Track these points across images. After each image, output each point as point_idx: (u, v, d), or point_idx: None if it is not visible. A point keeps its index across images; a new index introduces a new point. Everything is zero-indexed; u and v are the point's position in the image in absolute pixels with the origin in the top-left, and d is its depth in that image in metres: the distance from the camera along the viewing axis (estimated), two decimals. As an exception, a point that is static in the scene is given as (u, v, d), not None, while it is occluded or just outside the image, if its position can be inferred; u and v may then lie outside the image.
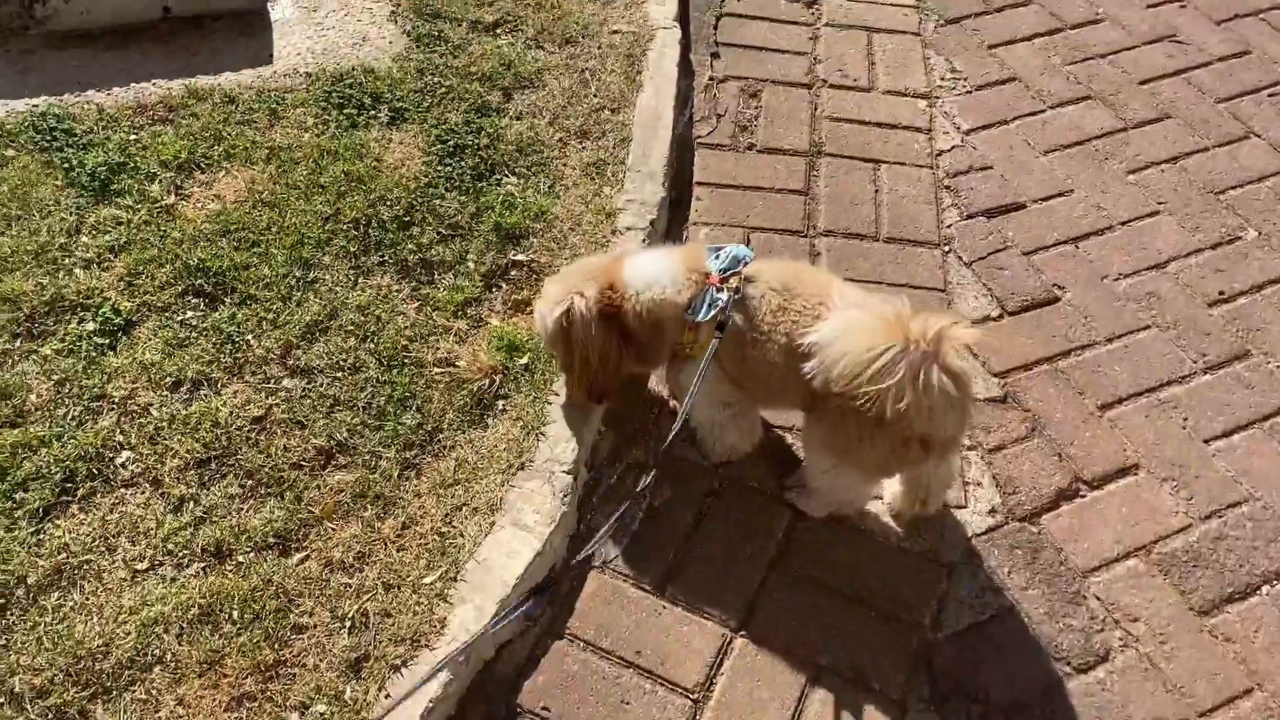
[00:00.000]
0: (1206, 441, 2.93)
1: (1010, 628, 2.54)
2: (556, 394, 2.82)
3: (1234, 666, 2.49)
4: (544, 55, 3.83)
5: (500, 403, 2.82)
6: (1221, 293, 3.30)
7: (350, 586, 2.42)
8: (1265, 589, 2.63)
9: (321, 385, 2.77)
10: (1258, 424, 2.97)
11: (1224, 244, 3.45)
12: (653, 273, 2.49)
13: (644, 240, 3.20)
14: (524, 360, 2.89)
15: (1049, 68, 4.05)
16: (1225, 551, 2.70)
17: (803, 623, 2.51)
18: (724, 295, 2.37)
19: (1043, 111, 3.89)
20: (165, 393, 2.70)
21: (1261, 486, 2.83)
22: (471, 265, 3.12)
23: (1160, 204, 3.57)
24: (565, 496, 2.60)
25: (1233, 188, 3.65)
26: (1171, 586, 2.63)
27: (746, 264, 2.43)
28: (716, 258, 2.45)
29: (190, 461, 2.57)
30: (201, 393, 2.72)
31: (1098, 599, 2.60)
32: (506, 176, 3.39)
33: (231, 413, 2.67)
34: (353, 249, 3.09)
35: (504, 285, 3.11)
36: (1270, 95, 4.00)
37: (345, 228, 3.13)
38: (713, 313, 2.37)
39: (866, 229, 3.43)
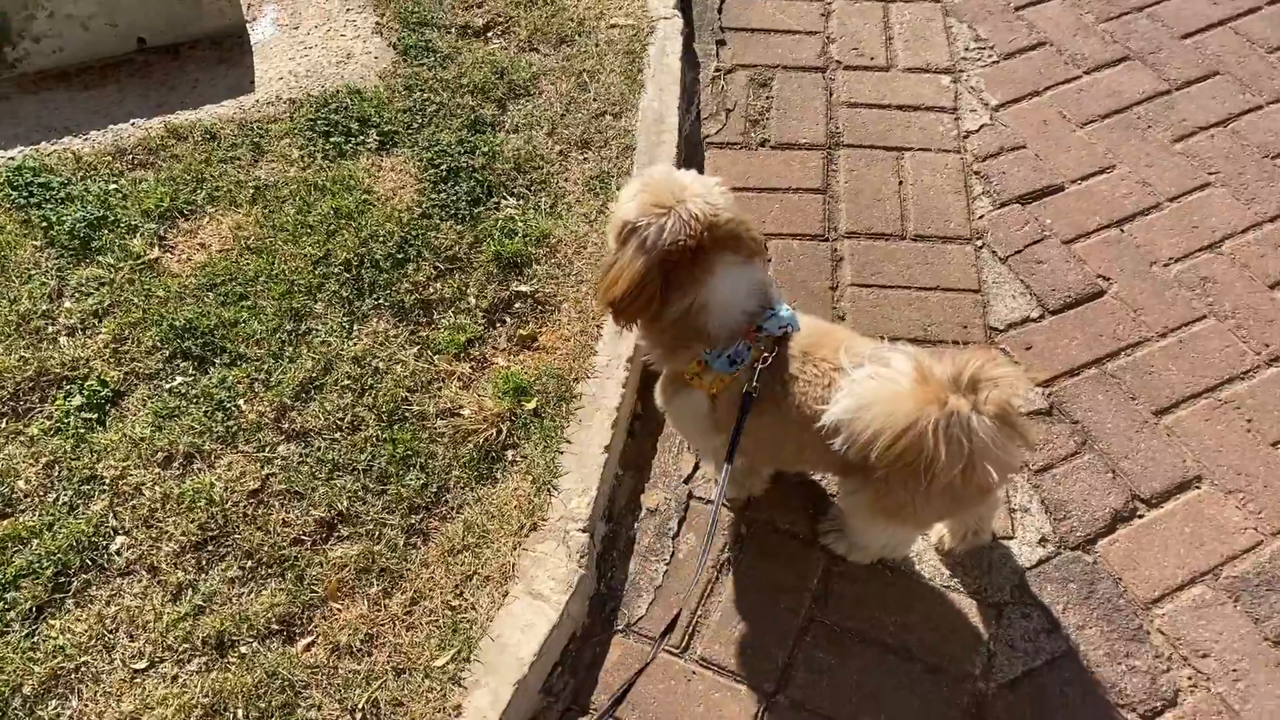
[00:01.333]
0: (1275, 445, 2.70)
1: (1068, 673, 2.35)
2: (569, 441, 2.65)
3: (1317, 705, 2.29)
4: (539, 59, 3.60)
5: (509, 453, 2.66)
6: (1284, 272, 3.04)
7: (359, 674, 2.29)
8: (1347, 613, 2.42)
9: (319, 449, 2.63)
10: (1331, 422, 2.73)
11: (1284, 216, 3.18)
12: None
13: (653, 261, 2.99)
14: (532, 405, 2.72)
15: (1082, 27, 3.75)
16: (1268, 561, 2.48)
17: (844, 681, 2.34)
18: (746, 355, 2.15)
19: (1078, 78, 3.60)
20: (157, 469, 2.56)
21: (1339, 494, 2.60)
22: (472, 301, 2.95)
23: (1211, 175, 3.29)
24: (582, 558, 2.44)
25: (1290, 150, 3.36)
26: (1243, 614, 2.42)
27: (791, 333, 2.17)
28: (773, 312, 2.17)
29: (187, 544, 2.45)
30: (195, 467, 2.58)
31: (1162, 634, 2.40)
32: (505, 198, 3.20)
33: (227, 487, 2.53)
34: (345, 294, 2.92)
35: (507, 320, 2.93)
36: (1327, 39, 3.68)
37: (337, 271, 2.96)
38: (723, 370, 2.15)
39: (892, 227, 3.19)
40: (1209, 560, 2.51)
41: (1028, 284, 3.04)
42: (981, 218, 3.21)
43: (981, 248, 3.14)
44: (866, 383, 1.93)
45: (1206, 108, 3.48)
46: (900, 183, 3.31)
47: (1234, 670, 2.34)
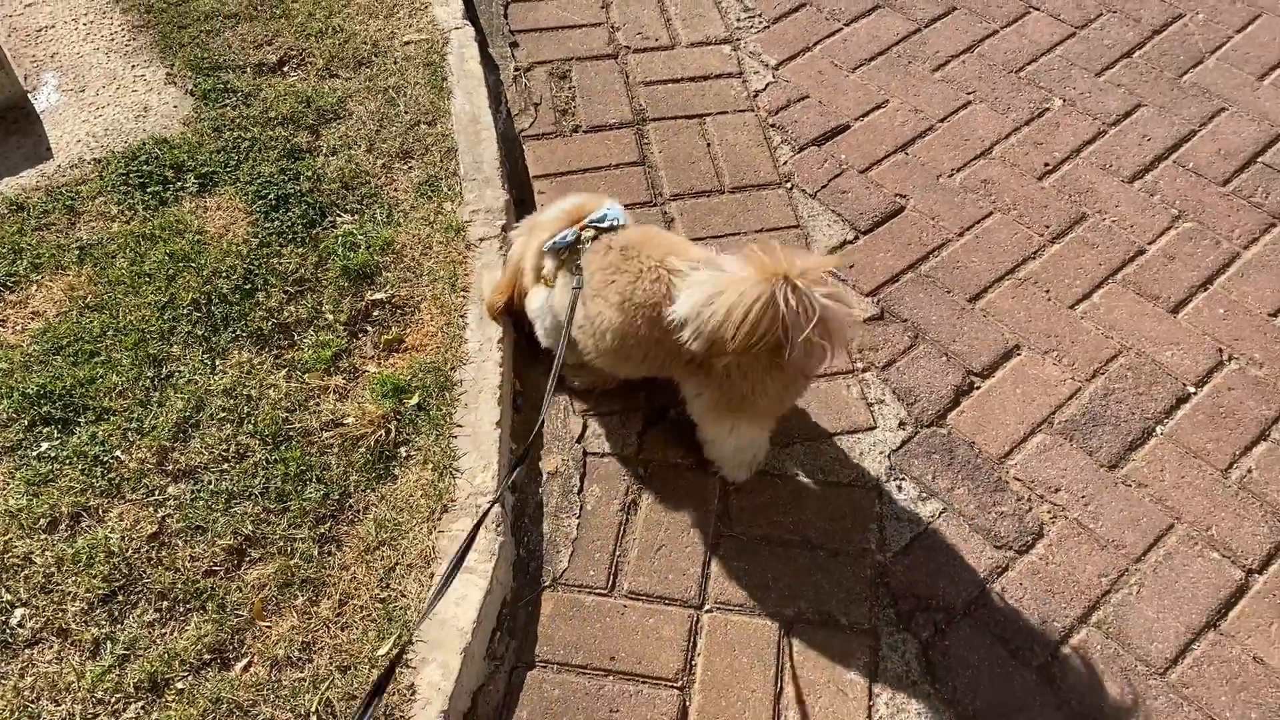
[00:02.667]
0: (1071, 307, 3.10)
1: (949, 530, 2.63)
2: (459, 426, 2.73)
3: (1152, 508, 2.66)
4: (341, 83, 3.66)
5: (403, 450, 2.72)
6: (1046, 164, 3.48)
7: (305, 681, 2.30)
8: (1159, 429, 2.82)
9: (210, 483, 2.61)
10: (1110, 279, 3.15)
11: (1035, 118, 3.63)
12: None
13: (500, 249, 3.12)
14: (415, 400, 2.79)
15: (833, -13, 4.15)
16: (1116, 404, 2.86)
17: (760, 582, 2.54)
18: (570, 235, 2.53)
19: (840, 30, 3.98)
20: (43, 535, 2.48)
21: (1129, 336, 3.01)
22: (330, 317, 2.99)
23: (970, 94, 3.72)
24: (498, 526, 2.53)
25: (1028, 63, 3.83)
26: (1079, 450, 2.78)
27: (615, 227, 2.53)
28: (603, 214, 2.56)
29: (94, 600, 2.38)
30: (84, 525, 2.51)
31: (1018, 480, 2.72)
32: (340, 216, 3.25)
33: (124, 537, 2.48)
34: (200, 332, 2.90)
35: (369, 329, 2.99)
36: (1036, -30, 4.21)
37: (186, 312, 2.93)
38: (551, 250, 2.55)
39: (710, 184, 3.44)
40: (1041, 411, 2.86)
41: (838, 213, 3.35)
42: (786, 163, 3.51)
43: (792, 189, 3.43)
44: (708, 276, 2.16)
45: (953, 39, 3.92)
46: (708, 145, 3.57)
47: (1082, 497, 2.69)
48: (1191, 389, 2.89)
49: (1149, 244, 3.23)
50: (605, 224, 2.53)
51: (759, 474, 2.73)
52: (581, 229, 2.54)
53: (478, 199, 3.26)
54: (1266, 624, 2.46)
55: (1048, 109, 3.66)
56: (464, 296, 3.02)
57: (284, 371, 2.85)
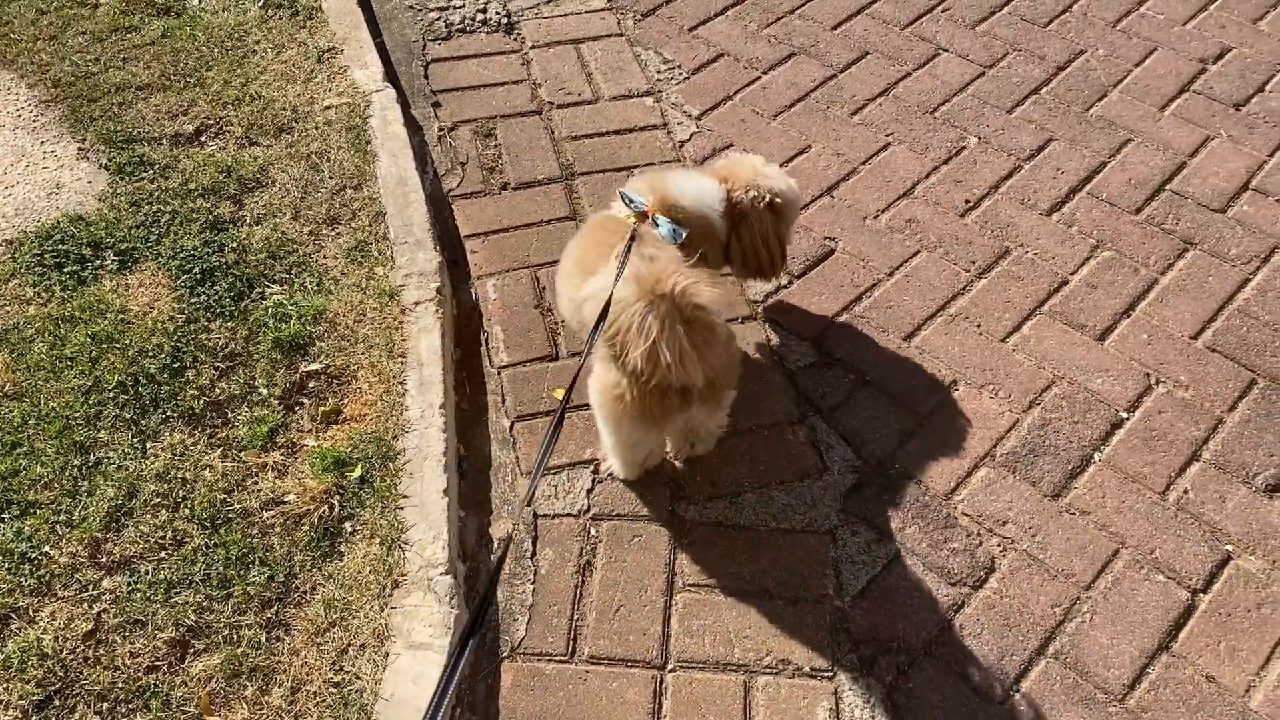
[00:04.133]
0: (1003, 340, 3.16)
1: (905, 571, 2.65)
2: (405, 496, 2.67)
3: (1097, 535, 2.71)
4: (262, 151, 3.60)
5: (348, 525, 2.65)
6: (967, 201, 3.56)
7: (260, 776, 2.21)
8: (1096, 456, 2.88)
9: (147, 574, 2.50)
10: (1038, 310, 3.23)
11: (953, 157, 3.72)
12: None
13: (436, 312, 3.08)
14: (357, 472, 2.72)
15: (749, 35, 4.23)
16: (1053, 434, 2.93)
17: (722, 636, 2.52)
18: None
19: (759, 78, 4.05)
20: (-32, 643, 2.35)
21: (1060, 366, 3.08)
22: (264, 391, 2.91)
23: (888, 136, 3.81)
24: (452, 599, 2.48)
25: (942, 103, 3.94)
26: (1023, 481, 2.83)
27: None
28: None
29: (28, 708, 2.26)
30: (13, 627, 2.39)
31: (967, 515, 2.76)
32: (269, 287, 3.18)
33: (56, 637, 2.37)
34: (129, 415, 2.80)
35: (305, 401, 2.92)
36: (943, 10, 4.34)
37: (112, 395, 2.83)
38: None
39: (642, 235, 3.45)
40: (983, 445, 2.91)
41: (771, 257, 3.39)
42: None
43: (723, 236, 3.46)
44: (599, 282, 2.37)
45: (868, 83, 4.02)
46: (637, 196, 3.58)
47: (1029, 528, 2.73)
48: (1124, 414, 2.97)
49: (1071, 274, 3.33)
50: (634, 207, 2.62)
51: (713, 525, 2.73)
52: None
53: (410, 262, 3.23)
54: (1215, 643, 2.51)
55: (964, 147, 3.76)
56: (402, 363, 2.97)
57: (219, 451, 2.77)
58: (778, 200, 2.79)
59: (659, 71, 4.07)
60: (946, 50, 4.15)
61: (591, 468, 2.84)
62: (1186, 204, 3.55)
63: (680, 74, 4.06)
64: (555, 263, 3.32)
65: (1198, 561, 2.66)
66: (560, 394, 3.00)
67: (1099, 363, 3.09)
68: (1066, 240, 3.43)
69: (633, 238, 2.50)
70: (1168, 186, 3.62)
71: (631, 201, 2.61)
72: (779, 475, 2.84)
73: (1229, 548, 2.69)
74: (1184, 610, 2.57)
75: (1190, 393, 3.02)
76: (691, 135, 3.82)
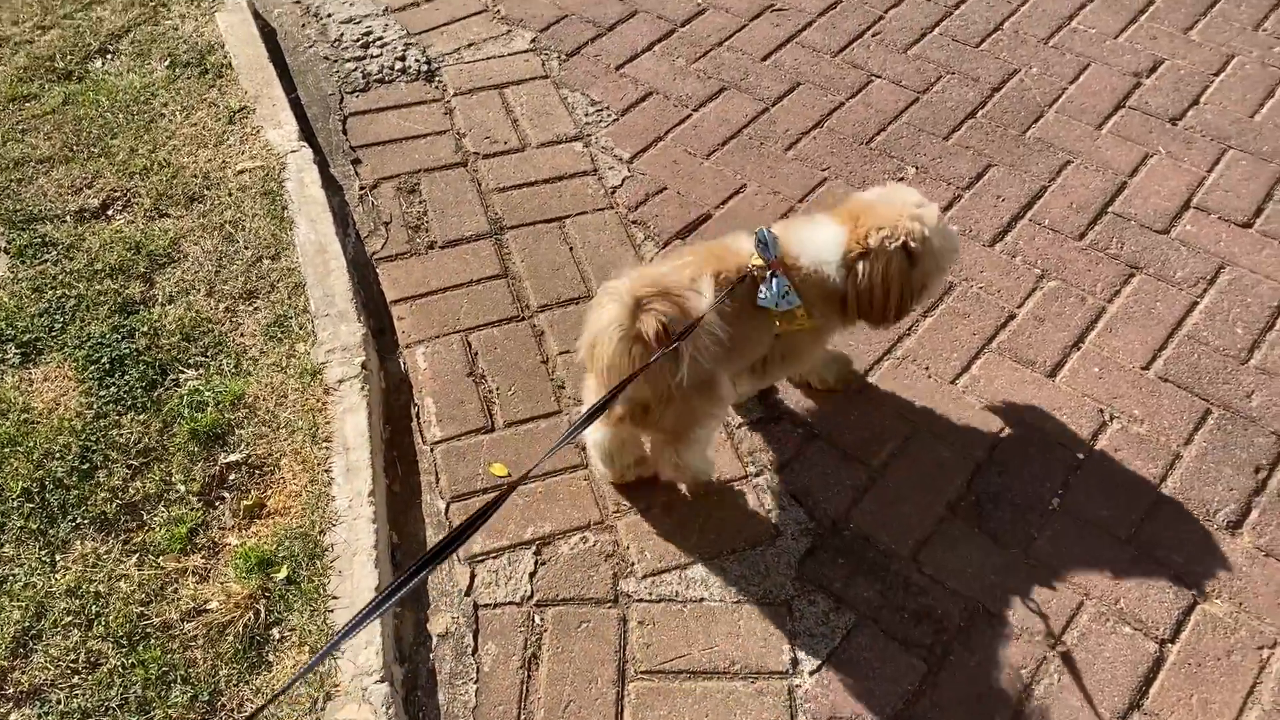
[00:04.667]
0: (952, 382, 3.07)
1: (865, 641, 2.53)
2: (335, 597, 2.52)
3: (1061, 587, 2.62)
4: (173, 223, 3.43)
5: (275, 631, 2.49)
6: (908, 236, 3.47)
7: None
8: (1055, 502, 2.79)
9: (59, 702, 2.33)
10: (986, 349, 3.15)
11: (892, 189, 3.63)
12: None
13: (362, 389, 2.93)
14: (283, 573, 2.56)
15: (678, 71, 4.12)
16: (1011, 480, 2.83)
17: (678, 726, 2.39)
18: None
19: (690, 116, 3.94)
20: None
21: (1013, 407, 2.99)
22: (182, 488, 2.74)
23: (824, 170, 3.71)
24: (389, 709, 2.32)
25: (877, 133, 3.85)
26: (983, 534, 2.73)
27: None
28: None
29: None
30: (-91, 779, 2.21)
31: (928, 576, 2.65)
32: (183, 372, 3.01)
33: (-42, 787, 2.19)
34: (35, 525, 2.62)
35: (226, 496, 2.75)
36: (874, 35, 4.26)
37: (16, 504, 2.65)
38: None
39: (577, 290, 3.33)
40: (941, 498, 2.81)
41: (711, 307, 3.27)
42: (651, 260, 3.42)
43: (661, 287, 3.34)
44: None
45: (802, 115, 3.92)
46: (571, 248, 3.45)
47: (991, 584, 2.63)
48: (1080, 455, 2.88)
49: (1018, 308, 3.25)
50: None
51: (664, 601, 2.60)
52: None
53: (332, 336, 3.07)
54: (1186, 696, 2.43)
55: (902, 178, 3.67)
56: (327, 448, 2.81)
57: (135, 558, 2.60)
58: (914, 245, 2.48)
59: (587, 114, 3.95)
60: (879, 77, 4.07)
61: (533, 548, 2.71)
62: (1130, 226, 3.49)
63: (609, 115, 3.94)
64: (488, 325, 3.21)
65: (1163, 609, 2.57)
66: (499, 469, 2.86)
67: (1051, 401, 3.00)
68: (1011, 272, 3.35)
69: (741, 280, 2.43)
70: (1110, 209, 3.55)
71: (765, 244, 2.45)
72: (730, 543, 2.72)
73: (1194, 592, 2.61)
74: (1153, 663, 2.49)
75: (1145, 427, 2.95)
76: (623, 180, 3.70)
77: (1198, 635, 2.53)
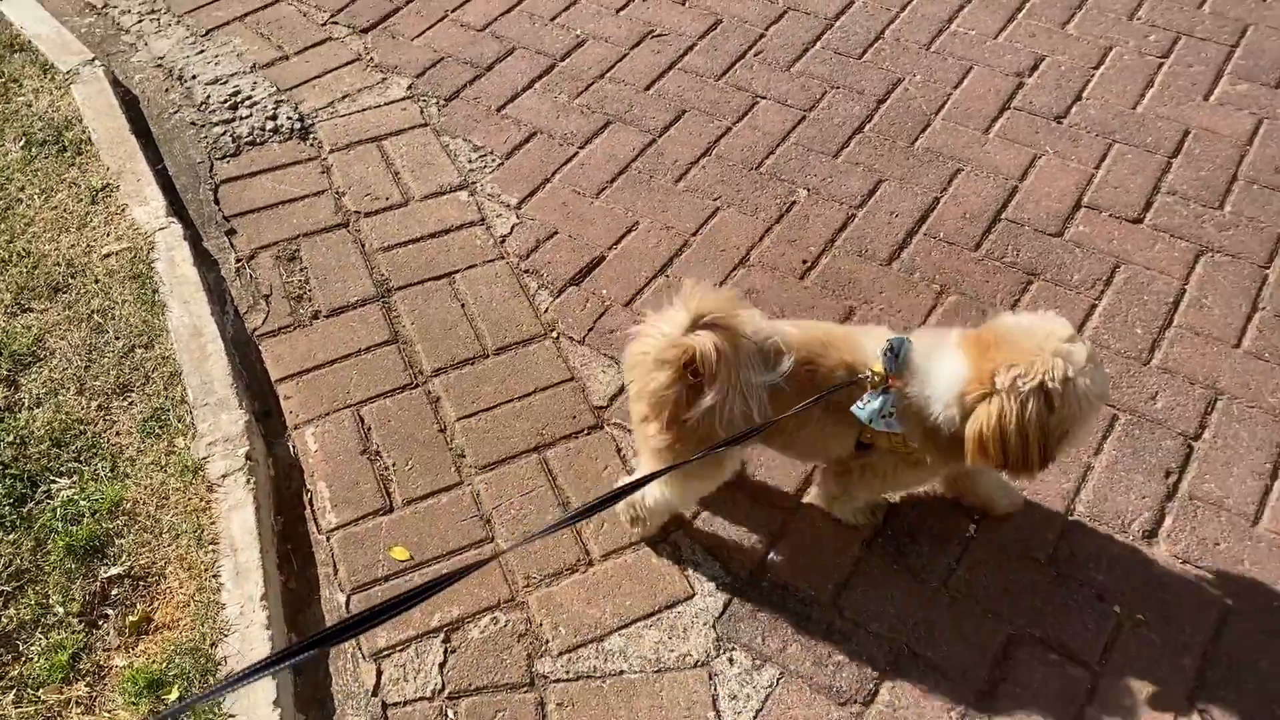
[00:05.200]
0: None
1: (791, 696, 2.46)
2: (232, 716, 2.37)
3: (984, 619, 2.57)
4: (36, 318, 3.23)
5: (169, 760, 2.32)
6: (805, 262, 3.42)
7: None
8: (971, 527, 2.74)
9: None
10: (891, 373, 3.09)
11: (785, 214, 3.57)
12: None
13: (247, 483, 2.77)
14: (174, 694, 2.41)
15: (561, 109, 4.01)
16: (925, 511, 2.78)
17: (605, 814, 2.29)
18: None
19: (575, 154, 3.84)
20: None
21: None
22: (60, 610, 2.57)
23: (716, 200, 3.64)
24: (295, 835, 2.19)
25: (766, 156, 3.79)
26: (904, 572, 2.67)
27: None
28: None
29: None
30: None
31: (850, 620, 2.58)
32: (55, 482, 2.83)
33: None
34: (-104, 672, 2.43)
35: (110, 613, 2.59)
36: (756, 55, 4.21)
37: (-126, 650, 2.45)
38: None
39: (473, 350, 3.21)
40: (858, 535, 2.74)
41: (610, 355, 3.18)
42: (547, 310, 3.32)
43: (558, 338, 3.24)
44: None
45: (689, 144, 3.85)
46: (463, 305, 3.33)
47: (915, 623, 2.57)
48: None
49: (919, 326, 3.20)
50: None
51: (583, 680, 2.49)
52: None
53: (212, 427, 2.91)
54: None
55: (794, 201, 3.61)
56: (214, 551, 2.66)
57: (12, 695, 2.42)
58: (1052, 385, 2.07)
59: (470, 161, 3.83)
60: (764, 98, 4.01)
61: (442, 636, 2.58)
62: (1024, 231, 3.48)
63: (493, 160, 3.83)
64: (380, 396, 3.07)
65: (1089, 633, 2.54)
66: (400, 553, 2.73)
67: (960, 422, 2.96)
68: (910, 290, 3.31)
69: (849, 384, 2.24)
70: (1003, 216, 3.53)
71: (894, 354, 2.20)
72: (646, 607, 2.63)
73: (1117, 608, 2.58)
74: (1087, 691, 2.44)
75: (1055, 440, 2.91)
76: (512, 228, 3.58)
77: (1125, 655, 2.50)
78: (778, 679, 2.49)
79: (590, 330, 3.25)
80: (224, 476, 2.80)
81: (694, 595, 2.64)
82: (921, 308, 3.26)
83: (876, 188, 3.65)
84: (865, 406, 2.22)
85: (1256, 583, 2.60)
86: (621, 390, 3.09)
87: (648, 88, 4.09)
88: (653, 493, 2.54)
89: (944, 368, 2.18)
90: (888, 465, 2.42)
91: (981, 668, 2.49)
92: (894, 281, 3.34)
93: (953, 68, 4.11)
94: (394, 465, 2.93)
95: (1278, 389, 2.99)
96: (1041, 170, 3.69)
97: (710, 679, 2.49)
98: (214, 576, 2.61)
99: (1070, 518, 2.75)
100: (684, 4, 4.50)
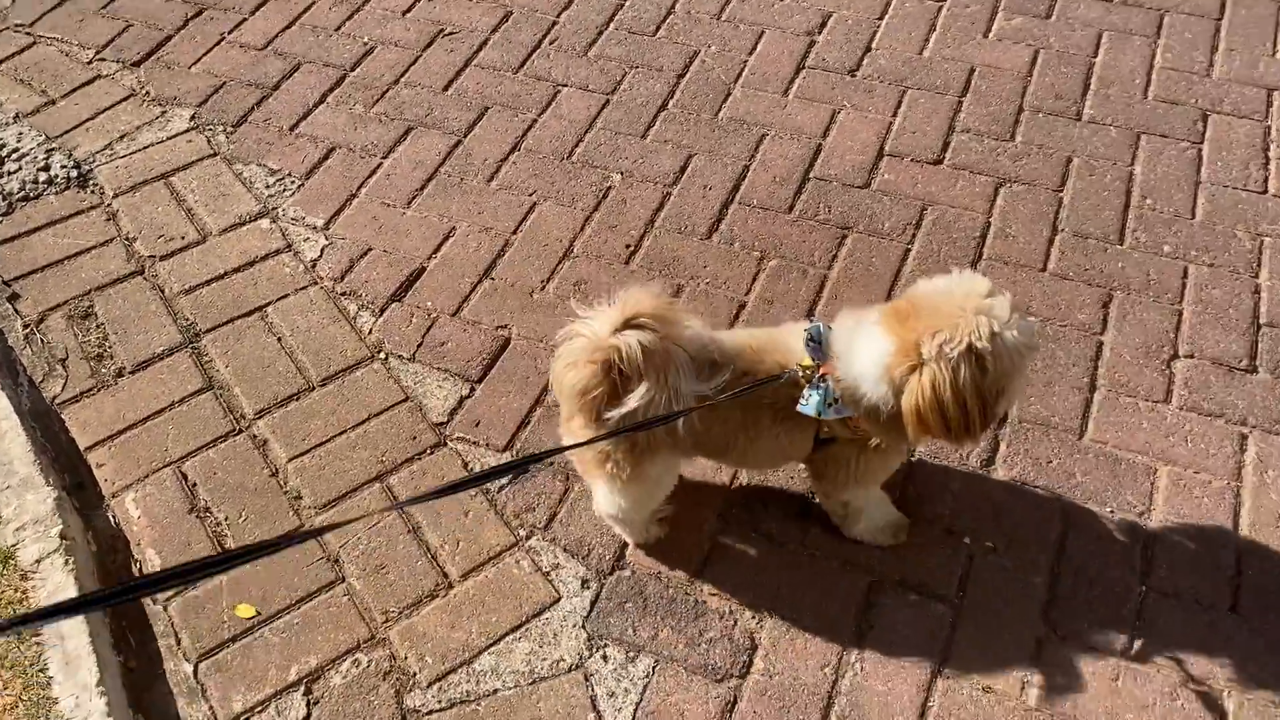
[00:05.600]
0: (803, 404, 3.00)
1: (668, 683, 2.44)
2: (78, 818, 2.19)
3: (840, 574, 2.60)
4: None
5: None
6: (628, 246, 3.39)
7: None
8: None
9: None
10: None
11: (602, 201, 3.54)
12: None
13: (66, 565, 2.57)
14: (12, 807, 2.21)
15: (358, 120, 3.87)
16: (774, 475, 2.80)
17: (497, 840, 2.22)
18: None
19: (380, 165, 3.71)
20: None
21: (762, 398, 2.97)
22: None
23: (531, 195, 3.58)
24: None
25: (576, 145, 3.74)
26: (760, 538, 2.68)
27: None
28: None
29: None
30: None
31: (715, 595, 2.58)
32: None
33: None
34: None
35: (-73, 732, 2.35)
36: (551, 43, 4.15)
37: None
38: None
39: (296, 384, 3.06)
40: (713, 511, 2.74)
41: (444, 369, 3.08)
42: (371, 332, 3.19)
43: (387, 358, 3.12)
44: None
45: (496, 142, 3.77)
46: (279, 339, 3.17)
47: (776, 590, 2.59)
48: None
49: (746, 295, 3.23)
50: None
51: (457, 706, 2.42)
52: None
53: (19, 510, 2.69)
54: (984, 650, 2.46)
55: (610, 187, 3.59)
56: (38, 644, 2.45)
57: None
58: (981, 347, 2.00)
59: (268, 186, 3.65)
60: (566, 85, 3.97)
61: (302, 689, 2.46)
62: (832, 187, 3.54)
63: (292, 183, 3.66)
64: (201, 449, 2.91)
65: (944, 568, 2.61)
66: (246, 610, 2.59)
67: (797, 383, 2.99)
68: (732, 260, 3.33)
69: (774, 379, 2.17)
70: (811, 175, 3.59)
71: (816, 343, 2.17)
72: (512, 620, 2.56)
73: (967, 540, 2.66)
74: (950, 625, 2.51)
75: (888, 386, 2.98)
76: (322, 250, 3.43)
77: (980, 584, 2.58)
78: (653, 668, 2.47)
79: (420, 346, 3.15)
80: (38, 561, 2.59)
81: (560, 599, 2.59)
82: (745, 276, 3.28)
83: (687, 163, 3.66)
84: (809, 401, 2.17)
85: (1090, 492, 2.73)
86: (462, 404, 3.00)
87: (446, 88, 3.99)
88: (601, 503, 2.48)
89: (867, 346, 2.12)
90: (853, 454, 2.34)
91: (848, 619, 2.53)
92: (716, 254, 3.35)
93: (745, 34, 4.16)
94: (226, 519, 2.77)
95: (1084, 305, 3.14)
96: (842, 125, 3.77)
97: (586, 680, 2.45)
98: (41, 671, 2.41)
99: (912, 459, 2.82)
100: (473, 1, 4.40)
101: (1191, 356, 3.01)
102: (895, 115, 3.79)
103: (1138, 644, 2.45)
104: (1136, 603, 2.53)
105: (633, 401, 2.06)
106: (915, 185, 3.54)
